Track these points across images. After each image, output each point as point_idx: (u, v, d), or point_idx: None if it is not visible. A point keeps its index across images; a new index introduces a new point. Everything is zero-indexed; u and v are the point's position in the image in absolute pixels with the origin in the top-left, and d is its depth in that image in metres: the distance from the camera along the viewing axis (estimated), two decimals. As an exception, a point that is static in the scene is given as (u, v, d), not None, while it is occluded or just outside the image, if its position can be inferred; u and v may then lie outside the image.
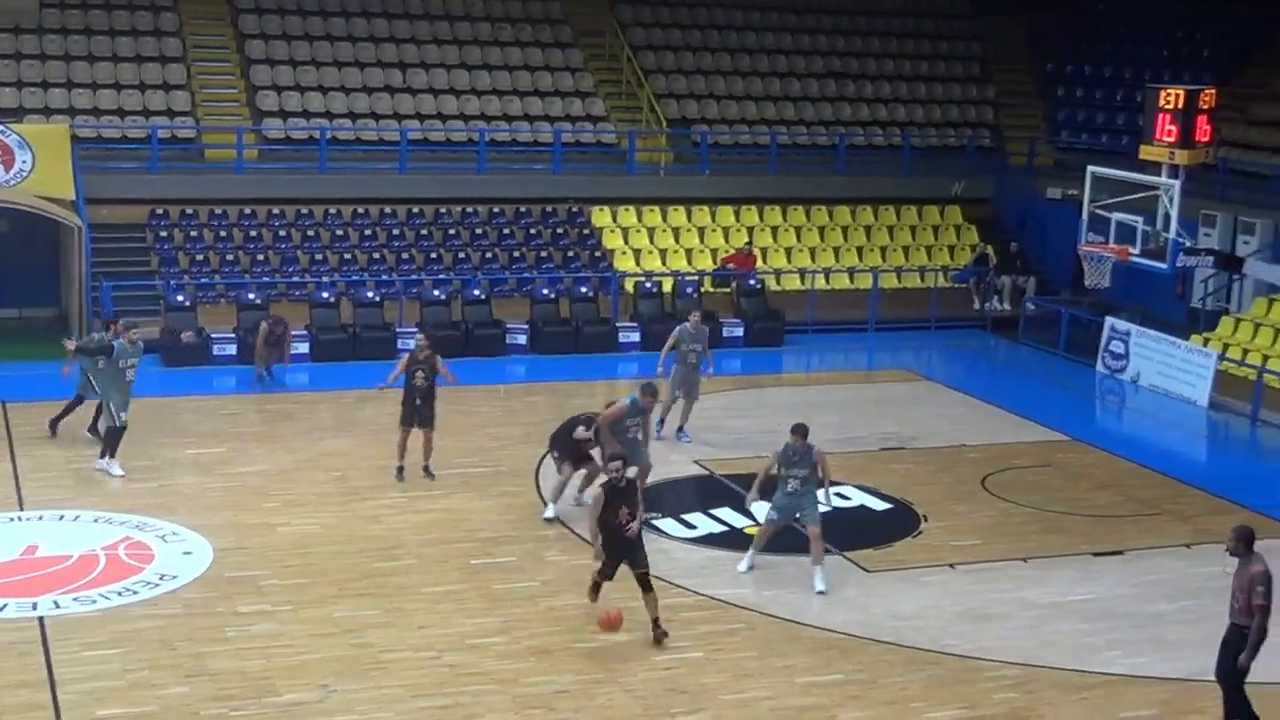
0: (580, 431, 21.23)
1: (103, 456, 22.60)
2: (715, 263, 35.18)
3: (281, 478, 22.97)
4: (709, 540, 21.04)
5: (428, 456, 22.94)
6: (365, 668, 16.62)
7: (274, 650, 16.96)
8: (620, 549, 17.55)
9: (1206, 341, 31.26)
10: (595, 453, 21.32)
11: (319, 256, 32.89)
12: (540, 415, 26.12)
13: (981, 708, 16.40)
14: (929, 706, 16.39)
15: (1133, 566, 20.91)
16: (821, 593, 19.00)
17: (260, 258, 32.63)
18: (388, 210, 34.22)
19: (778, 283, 35.15)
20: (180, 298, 30.27)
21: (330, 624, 17.72)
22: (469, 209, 34.77)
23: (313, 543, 20.30)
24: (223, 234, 32.90)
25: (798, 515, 19.38)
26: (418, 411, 22.62)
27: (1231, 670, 15.64)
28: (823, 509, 19.36)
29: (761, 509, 20.36)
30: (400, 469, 22.81)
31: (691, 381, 25.24)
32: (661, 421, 25.18)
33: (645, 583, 17.48)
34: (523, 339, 31.39)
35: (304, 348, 29.76)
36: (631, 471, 18.81)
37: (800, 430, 19.22)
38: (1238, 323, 32.12)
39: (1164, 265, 25.05)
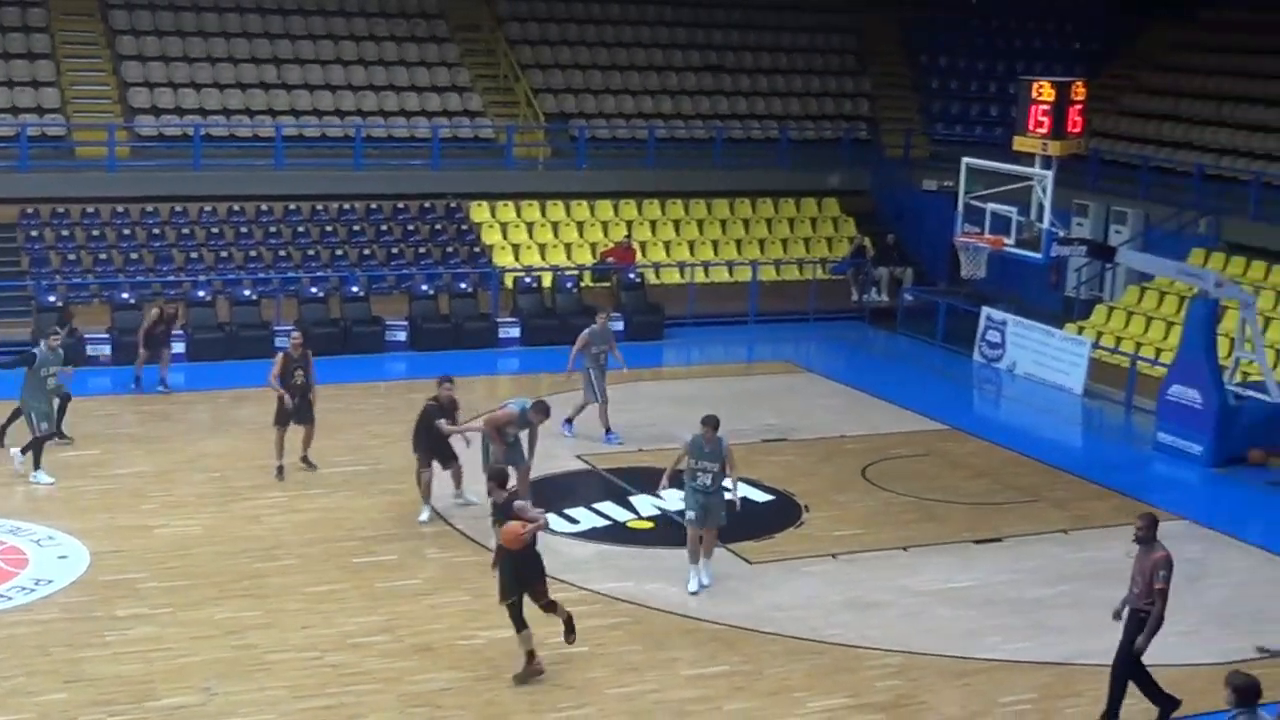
0: (443, 425, 21.01)
1: (23, 452, 22.36)
2: (594, 257, 35.17)
3: (159, 479, 22.68)
4: (592, 535, 21.04)
5: (306, 446, 22.93)
6: (247, 669, 16.46)
7: (154, 654, 16.75)
8: (516, 570, 16.40)
9: (1081, 330, 31.69)
10: (457, 441, 21.36)
11: (194, 255, 32.53)
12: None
13: (865, 696, 16.52)
14: (813, 696, 16.49)
15: (1011, 553, 21.14)
16: (694, 593, 18.81)
17: (134, 256, 32.21)
18: (264, 207, 33.91)
19: (657, 276, 35.20)
20: (52, 298, 29.80)
21: (211, 626, 17.52)
22: (346, 205, 34.52)
23: (192, 544, 20.07)
24: (95, 233, 32.45)
25: (708, 516, 18.87)
26: (296, 409, 22.45)
27: (1127, 653, 15.83)
28: (728, 495, 18.98)
29: (645, 502, 20.40)
30: (280, 468, 22.63)
31: (603, 383, 25.14)
32: (569, 421, 25.20)
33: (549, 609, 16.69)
34: (402, 336, 31.20)
35: (180, 347, 29.39)
36: (512, 483, 17.86)
37: (711, 421, 18.82)
38: (1111, 311, 32.58)
39: (1038, 255, 25.26)
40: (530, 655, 16.42)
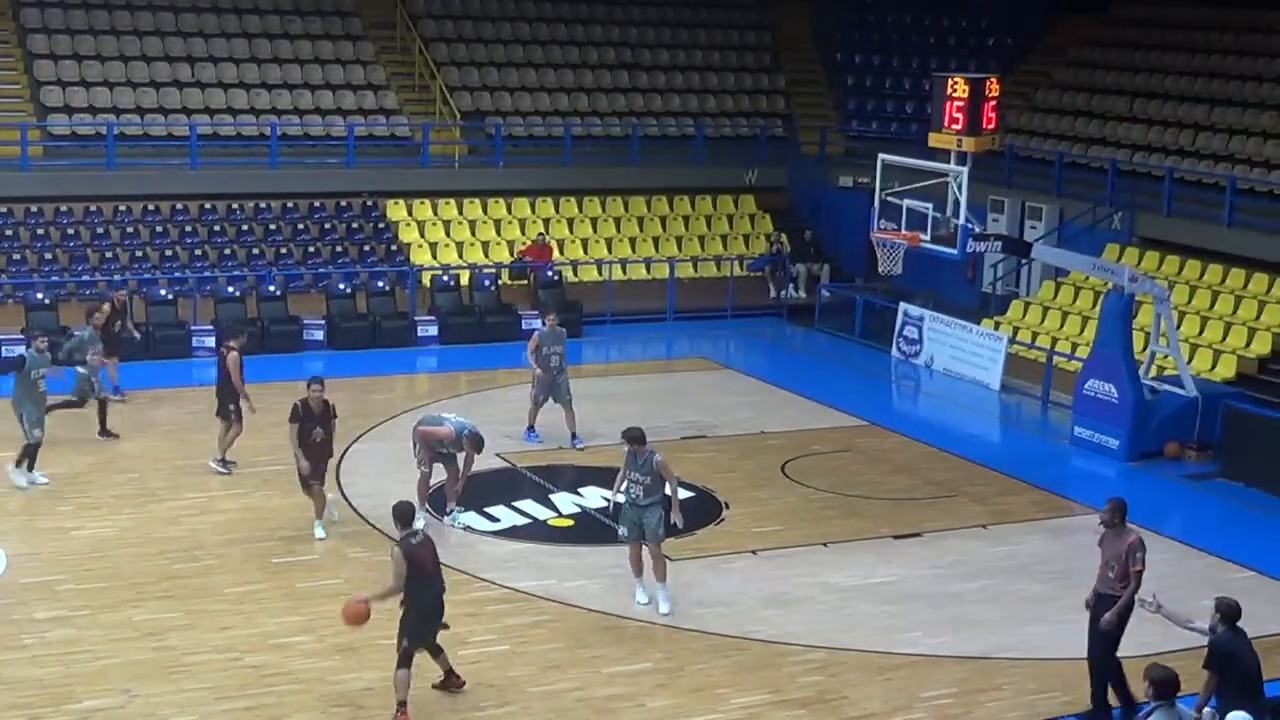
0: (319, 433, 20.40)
1: (18, 465, 22.09)
2: (512, 255, 35.09)
3: (76, 481, 22.47)
4: (513, 533, 21.03)
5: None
6: (167, 671, 16.34)
7: (72, 656, 16.60)
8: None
9: (997, 325, 31.91)
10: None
11: (109, 254, 32.22)
12: (340, 412, 25.80)
13: (787, 691, 16.57)
14: (735, 692, 16.53)
15: (931, 548, 21.27)
16: (667, 614, 18.42)
17: (48, 256, 31.87)
18: (179, 206, 33.64)
19: (575, 274, 35.18)
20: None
21: (130, 628, 17.38)
22: (262, 204, 34.31)
23: (110, 546, 19.90)
24: (8, 233, 32.07)
25: (644, 532, 18.45)
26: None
27: (1103, 640, 15.96)
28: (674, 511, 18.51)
29: (566, 500, 20.36)
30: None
31: (560, 384, 24.65)
32: (531, 429, 24.96)
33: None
34: (320, 335, 31.05)
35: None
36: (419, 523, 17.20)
37: (630, 436, 18.41)
38: (1027, 306, 32.83)
39: (954, 251, 25.40)
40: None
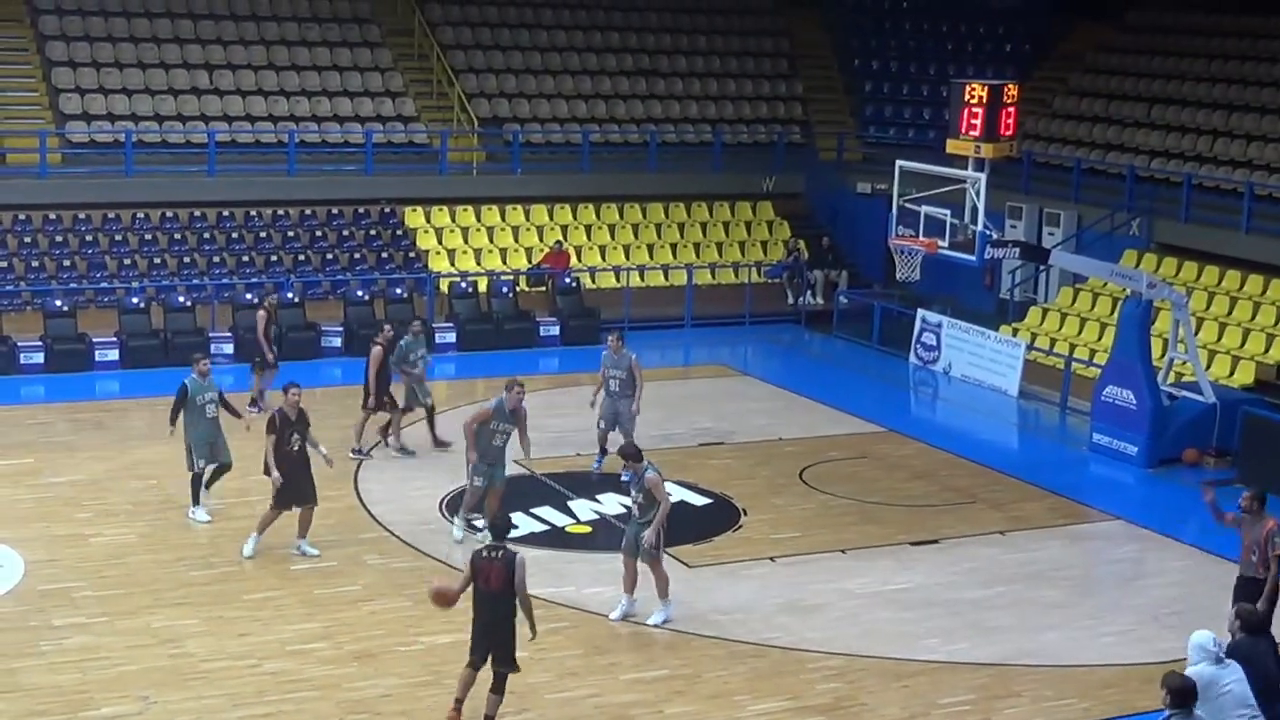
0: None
1: (194, 503, 21.33)
2: (530, 262, 35.12)
3: (94, 488, 22.52)
4: (530, 540, 20.97)
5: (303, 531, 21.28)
6: (185, 678, 16.35)
7: (90, 663, 16.62)
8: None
9: (1015, 332, 31.88)
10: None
11: (127, 261, 32.30)
12: (357, 419, 25.87)
13: (805, 698, 16.56)
14: (753, 699, 16.52)
15: (949, 555, 21.24)
16: (657, 625, 18.33)
17: (66, 263, 31.95)
18: (197, 214, 33.71)
19: (593, 281, 35.19)
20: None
21: (148, 634, 17.41)
22: (280, 211, 34.37)
23: (128, 553, 19.93)
24: (27, 240, 32.16)
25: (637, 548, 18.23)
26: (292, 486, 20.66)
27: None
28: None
29: (584, 506, 20.40)
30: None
31: (622, 411, 23.77)
32: (603, 451, 24.04)
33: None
34: (337, 341, 31.10)
35: (114, 354, 29.24)
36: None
37: (625, 454, 18.40)
38: (1045, 313, 32.78)
39: (972, 257, 25.37)
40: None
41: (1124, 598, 20.07)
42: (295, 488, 19.78)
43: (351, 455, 23.99)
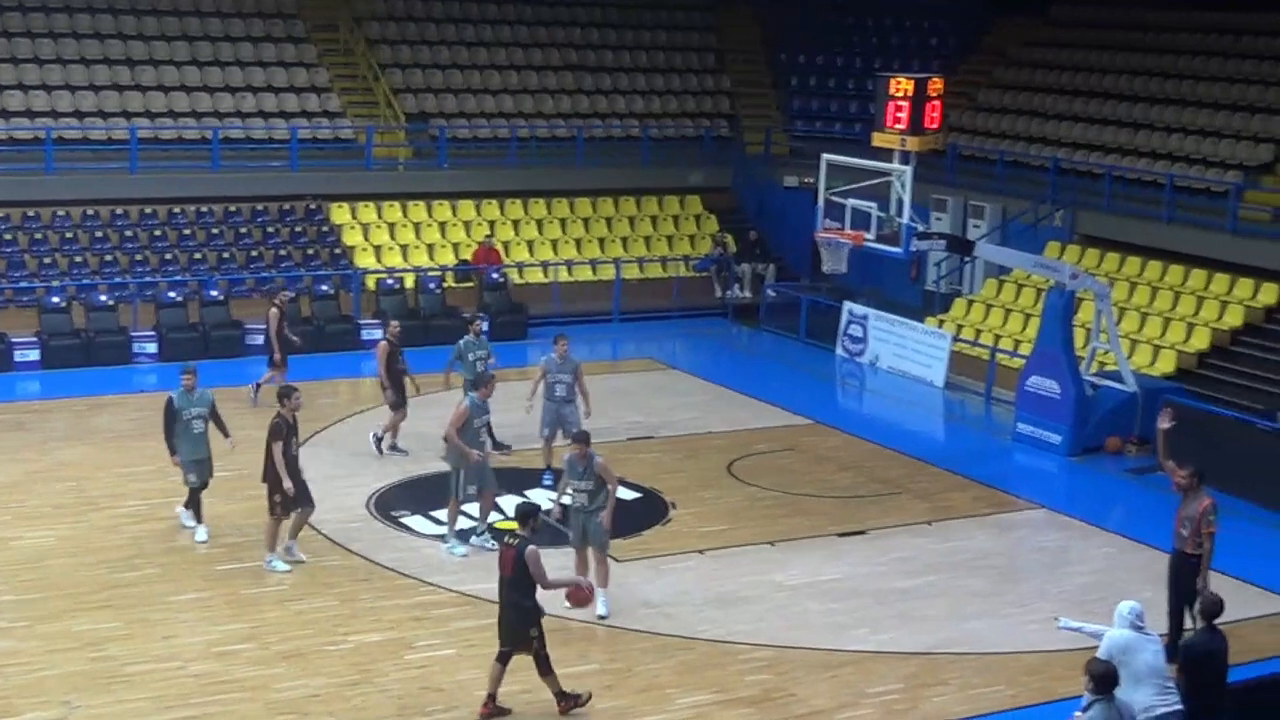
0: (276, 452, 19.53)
1: (196, 521, 20.66)
2: (457, 257, 35.01)
3: (13, 490, 22.25)
4: (459, 536, 20.88)
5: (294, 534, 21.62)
6: (108, 682, 16.21)
7: (10, 668, 16.44)
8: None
9: (941, 323, 32.05)
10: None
11: (47, 260, 31.98)
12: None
13: (734, 690, 16.59)
14: (683, 692, 16.54)
15: (876, 545, 21.33)
16: (603, 617, 18.38)
17: (-14, 263, 31.64)
18: (119, 211, 33.40)
19: (520, 276, 35.12)
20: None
21: (69, 638, 17.23)
22: (204, 208, 34.10)
23: (48, 556, 19.73)
24: (-54, 239, 31.83)
25: (586, 536, 18.36)
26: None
27: (1189, 594, 16.81)
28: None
29: (514, 502, 20.34)
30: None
31: (568, 416, 23.13)
32: (548, 468, 23.41)
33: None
34: (262, 339, 30.78)
35: (34, 354, 28.96)
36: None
37: (580, 438, 18.48)
38: (970, 304, 32.97)
39: (898, 250, 25.49)
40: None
41: (1048, 585, 20.21)
42: (298, 493, 19.52)
43: (387, 451, 24.30)
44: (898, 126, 25.11)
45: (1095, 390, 26.57)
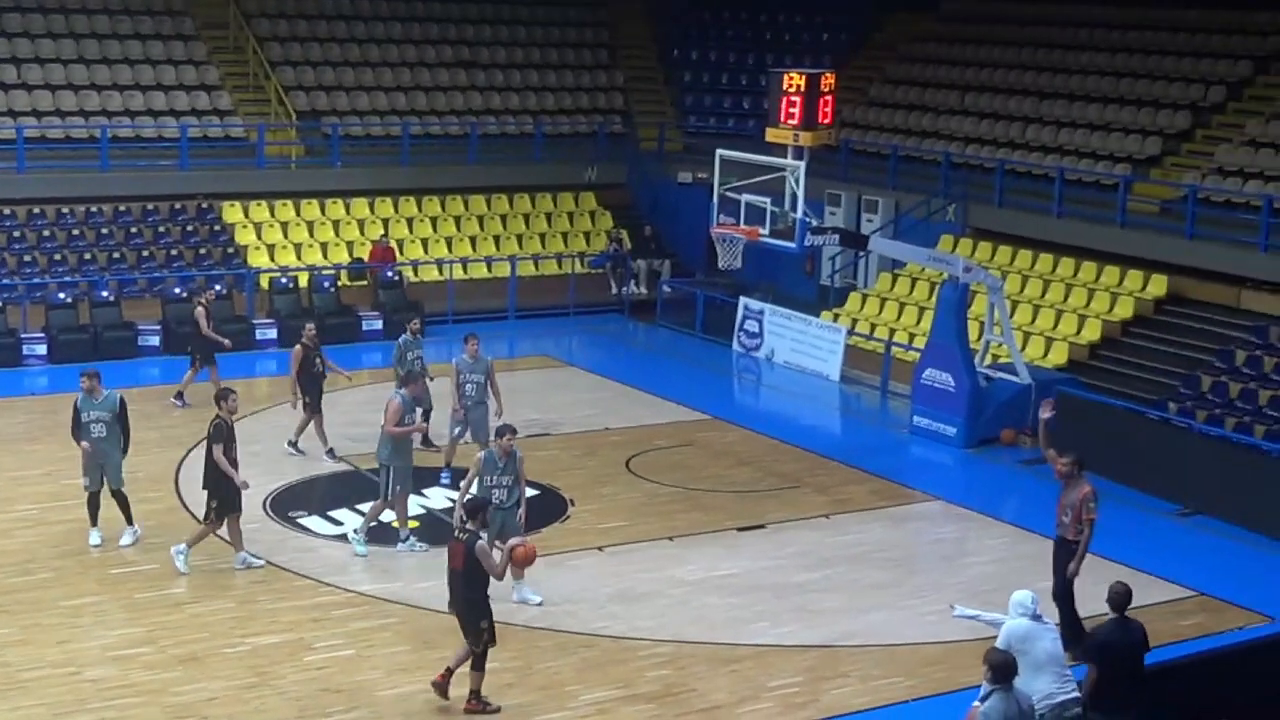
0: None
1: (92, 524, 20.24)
2: (351, 255, 34.79)
3: (-97, 495, 21.93)
4: (369, 535, 20.78)
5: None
6: (3, 689, 16.01)
7: (-97, 676, 16.21)
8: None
9: (836, 317, 32.24)
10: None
11: (-67, 262, 31.53)
12: (178, 418, 25.53)
13: (635, 686, 16.62)
14: (584, 689, 16.55)
15: (775, 540, 21.43)
16: (540, 604, 18.53)
17: None
18: (6, 211, 32.90)
19: (415, 274, 34.97)
20: None
21: (-38, 645, 17.00)
22: (93, 208, 33.67)
23: (-61, 561, 19.45)
24: None
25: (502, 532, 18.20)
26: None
27: (1063, 580, 17.15)
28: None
29: (410, 501, 20.29)
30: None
31: (478, 417, 23.03)
32: (448, 466, 23.37)
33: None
34: (155, 340, 30.58)
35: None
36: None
37: (505, 431, 18.47)
38: (865, 298, 33.17)
39: (793, 245, 25.58)
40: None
41: (946, 576, 20.40)
42: (235, 498, 19.31)
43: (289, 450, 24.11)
44: (791, 122, 25.20)
45: (989, 383, 26.83)
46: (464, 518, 16.05)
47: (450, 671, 15.99)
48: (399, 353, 24.53)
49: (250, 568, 19.44)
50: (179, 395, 26.66)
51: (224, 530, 19.46)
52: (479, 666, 15.90)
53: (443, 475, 23.13)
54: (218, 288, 29.23)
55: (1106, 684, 13.76)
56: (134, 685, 16.19)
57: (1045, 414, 18.61)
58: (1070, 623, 17.13)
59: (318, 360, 24.15)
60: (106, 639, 17.29)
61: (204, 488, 19.39)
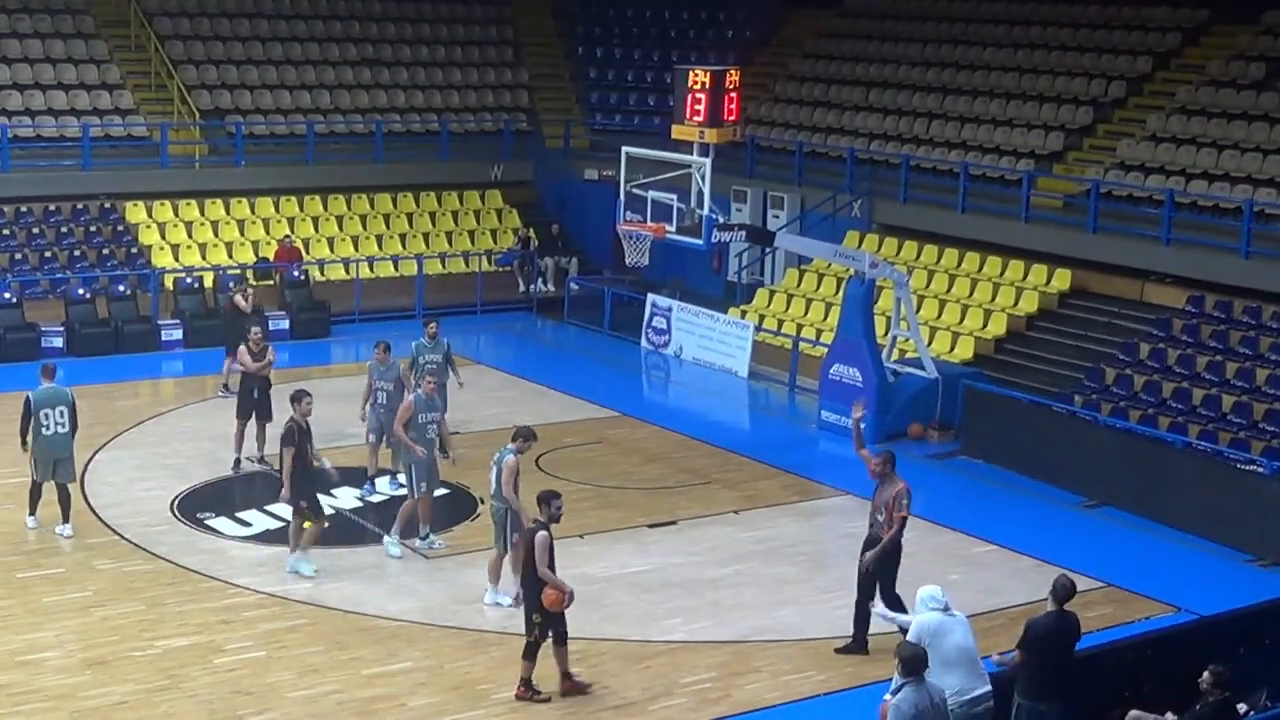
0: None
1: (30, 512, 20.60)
2: (256, 255, 34.55)
3: None
4: (265, 537, 20.73)
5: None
6: (-92, 695, 15.81)
7: None
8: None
9: (744, 314, 32.36)
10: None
11: None
12: (82, 420, 25.18)
13: (548, 684, 16.59)
14: (497, 687, 16.54)
15: (686, 536, 21.49)
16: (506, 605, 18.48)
17: None
18: (-95, 213, 32.52)
19: (321, 273, 34.78)
20: None
21: None
22: (-6, 209, 33.31)
23: None
24: None
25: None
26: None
27: (887, 578, 17.25)
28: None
29: (320, 501, 20.20)
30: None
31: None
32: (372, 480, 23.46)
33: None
34: (59, 341, 30.24)
35: None
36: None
37: (523, 433, 18.67)
38: (772, 294, 33.31)
39: (700, 241, 25.65)
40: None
41: (855, 571, 20.46)
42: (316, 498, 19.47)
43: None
44: (696, 118, 25.27)
45: (896, 377, 27.02)
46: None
47: (566, 675, 16.41)
48: (413, 357, 24.33)
49: (300, 573, 19.28)
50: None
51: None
52: (529, 656, 16.17)
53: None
54: (249, 285, 29.89)
55: (1037, 671, 13.88)
56: (42, 690, 16.03)
57: (856, 414, 18.76)
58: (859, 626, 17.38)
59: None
60: (13, 644, 17.10)
61: (287, 491, 19.24)
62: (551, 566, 16.02)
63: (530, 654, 16.21)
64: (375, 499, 22.40)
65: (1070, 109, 33.63)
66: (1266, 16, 32.72)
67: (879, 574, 17.37)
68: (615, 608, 18.82)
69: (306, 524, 19.39)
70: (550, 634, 16.21)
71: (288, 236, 34.70)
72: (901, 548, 17.42)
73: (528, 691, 16.22)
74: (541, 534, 16.02)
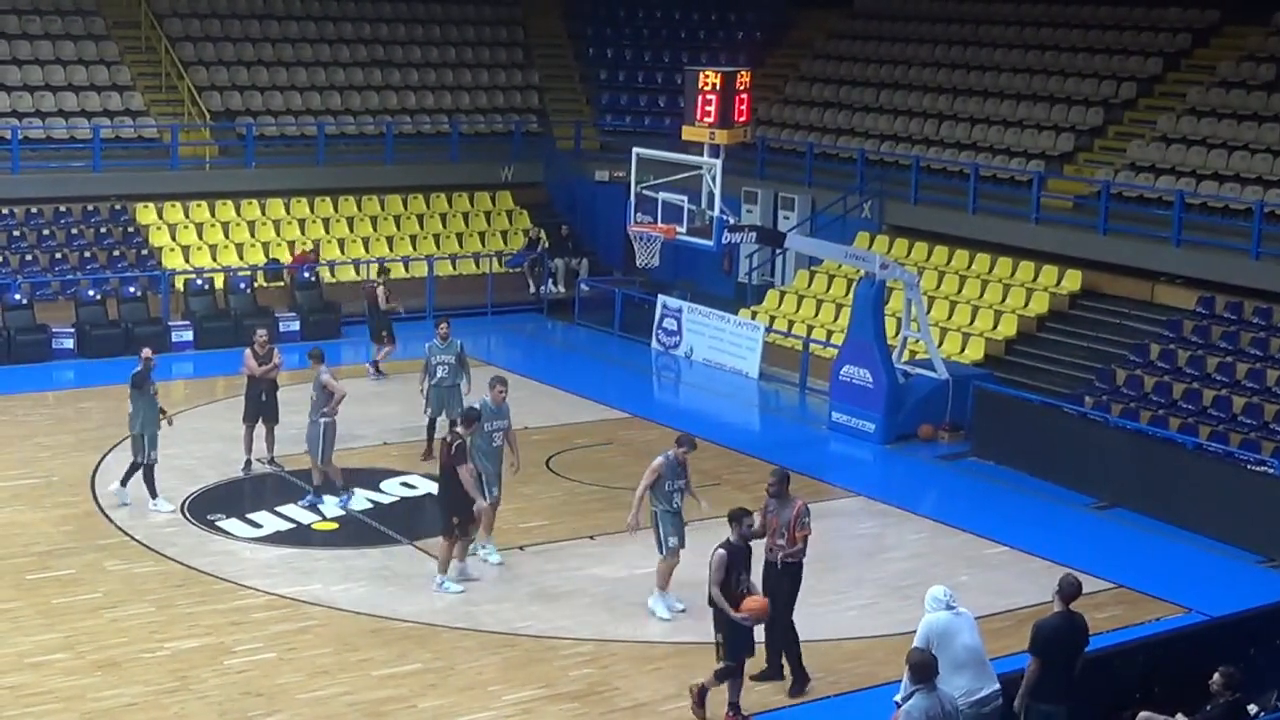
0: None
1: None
2: (267, 256, 34.58)
3: None
4: (276, 539, 20.74)
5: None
6: (-83, 697, 15.83)
7: None
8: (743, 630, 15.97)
9: (754, 315, 32.34)
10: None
11: None
12: (93, 421, 25.29)
13: (558, 685, 16.63)
14: (507, 689, 16.54)
15: (695, 537, 21.35)
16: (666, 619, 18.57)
17: None
18: (-83, 214, 32.57)
19: (332, 274, 34.81)
20: None
21: (-125, 654, 16.79)
22: (4, 210, 33.29)
23: None
24: None
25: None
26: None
27: (789, 597, 16.90)
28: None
29: (330, 503, 20.14)
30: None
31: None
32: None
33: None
34: (70, 343, 30.28)
35: None
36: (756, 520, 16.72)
37: (687, 442, 18.71)
38: (782, 295, 33.29)
39: (710, 243, 25.64)
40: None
41: (866, 572, 20.52)
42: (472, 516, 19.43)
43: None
44: (707, 120, 25.23)
45: (907, 378, 27.00)
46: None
47: (734, 706, 16.01)
48: (425, 356, 24.53)
49: (446, 593, 19.10)
50: (374, 365, 29.33)
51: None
52: (721, 679, 15.91)
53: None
54: (385, 276, 31.16)
55: (1047, 673, 13.81)
56: (52, 691, 16.05)
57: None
58: (782, 650, 17.02)
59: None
60: (23, 645, 17.11)
61: (443, 504, 19.24)
62: (724, 587, 15.72)
63: (721, 677, 15.90)
64: (386, 500, 22.39)
65: (1080, 110, 33.60)
66: (1277, 17, 32.72)
67: (787, 593, 16.92)
68: (625, 609, 18.81)
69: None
70: (730, 656, 15.85)
71: (306, 249, 34.64)
72: (803, 567, 17.05)
73: (735, 715, 15.94)
74: (719, 553, 15.84)
